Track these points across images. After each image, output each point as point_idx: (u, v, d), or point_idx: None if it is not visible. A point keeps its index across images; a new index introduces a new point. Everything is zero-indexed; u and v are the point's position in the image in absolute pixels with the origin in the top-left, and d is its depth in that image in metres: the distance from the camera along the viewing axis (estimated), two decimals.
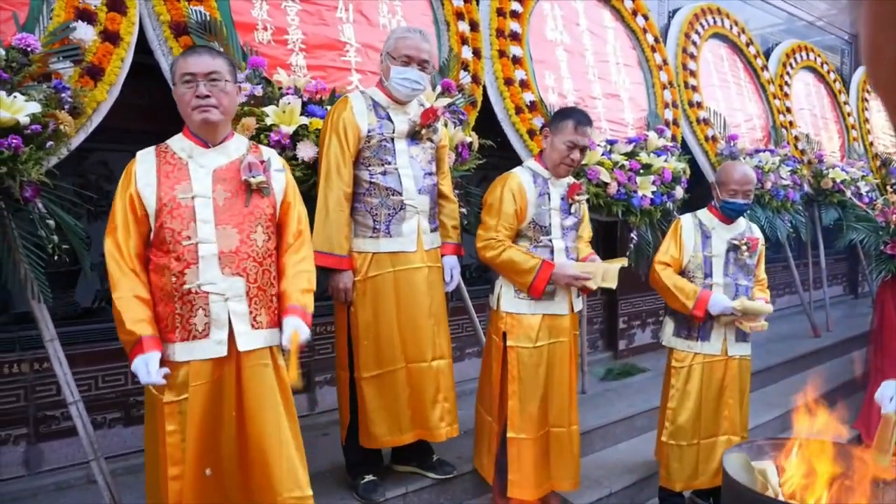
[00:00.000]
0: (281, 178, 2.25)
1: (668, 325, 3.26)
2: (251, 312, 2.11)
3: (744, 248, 3.13)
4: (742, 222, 3.24)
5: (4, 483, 2.85)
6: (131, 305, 2.01)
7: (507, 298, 2.96)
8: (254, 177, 2.13)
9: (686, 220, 3.22)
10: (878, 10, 0.42)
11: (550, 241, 2.94)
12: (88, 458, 2.53)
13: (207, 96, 2.06)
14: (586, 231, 3.18)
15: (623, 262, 2.93)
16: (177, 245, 2.04)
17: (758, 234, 3.26)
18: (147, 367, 1.97)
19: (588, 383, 4.50)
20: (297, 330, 2.09)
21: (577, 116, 2.93)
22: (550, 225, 2.95)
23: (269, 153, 2.27)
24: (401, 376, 2.81)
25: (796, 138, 6.42)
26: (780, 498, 2.01)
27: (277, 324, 2.20)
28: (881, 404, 2.20)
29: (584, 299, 4.38)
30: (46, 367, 2.84)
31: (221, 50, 2.65)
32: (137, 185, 2.06)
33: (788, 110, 6.57)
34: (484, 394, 3.10)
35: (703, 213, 3.24)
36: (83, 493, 2.88)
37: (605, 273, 2.86)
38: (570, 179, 3.06)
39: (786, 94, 6.63)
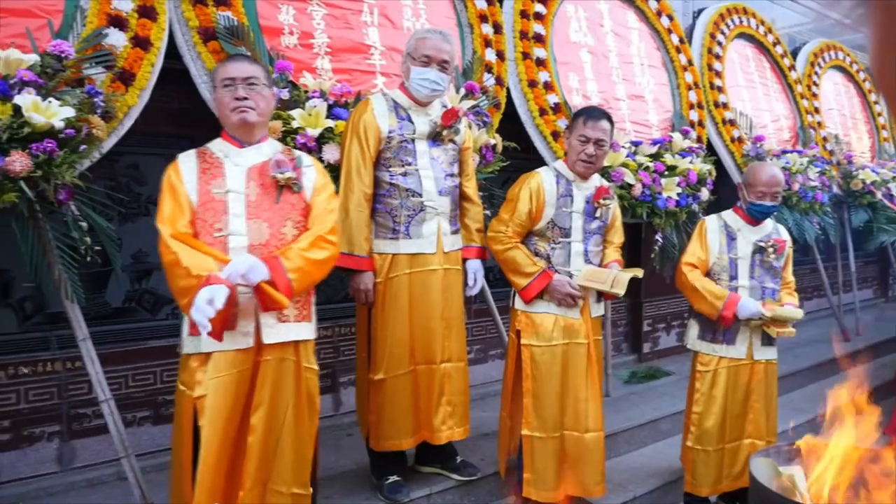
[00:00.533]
0: (311, 173, 2.31)
1: (693, 328, 3.22)
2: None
3: (770, 249, 3.09)
4: (769, 223, 3.19)
5: (39, 479, 2.91)
6: (197, 255, 2.01)
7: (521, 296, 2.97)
8: (282, 173, 2.20)
9: (711, 222, 3.18)
10: (883, 31, 0.43)
11: (569, 243, 2.93)
12: (119, 455, 2.58)
13: (245, 98, 2.16)
14: (616, 236, 3.13)
15: (638, 272, 2.89)
16: (207, 236, 2.10)
17: (785, 235, 3.21)
18: (209, 299, 1.89)
19: (612, 386, 4.48)
20: (246, 264, 2.01)
21: (587, 111, 2.95)
22: (571, 227, 2.93)
23: (298, 153, 2.35)
24: (408, 379, 2.81)
25: (825, 139, 6.32)
26: (809, 503, 1.98)
27: (307, 318, 2.24)
28: None
29: (609, 304, 4.37)
30: (79, 366, 2.90)
31: (258, 60, 2.70)
32: (184, 179, 2.14)
33: (817, 110, 6.47)
34: (504, 391, 3.12)
35: (729, 215, 3.20)
36: (114, 490, 2.93)
37: (616, 280, 2.82)
38: (598, 182, 3.04)
39: (814, 94, 6.53)
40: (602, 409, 3.02)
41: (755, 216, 3.12)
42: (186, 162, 2.18)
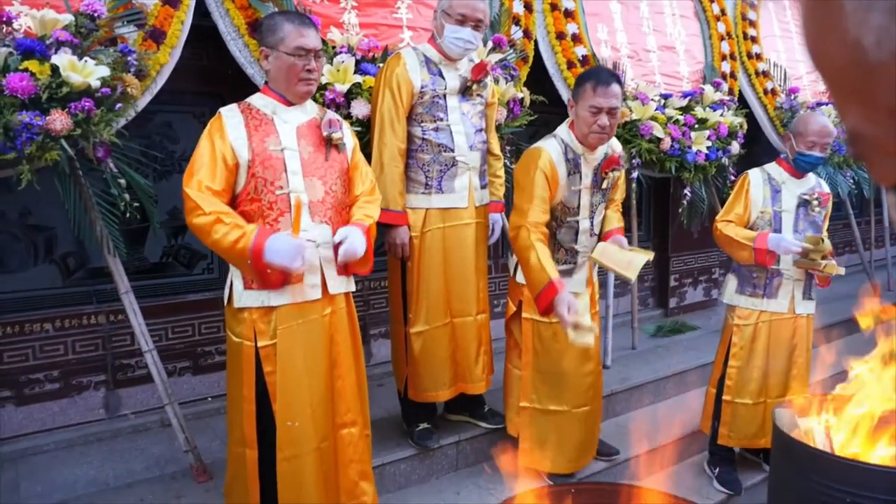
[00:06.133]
0: (348, 135, 2.39)
1: (731, 282, 3.18)
2: (335, 259, 2.24)
3: (815, 202, 3.03)
4: (812, 177, 3.12)
5: (89, 424, 3.08)
6: (232, 213, 2.09)
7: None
8: (334, 133, 2.27)
9: (754, 175, 3.11)
10: (815, 12, 0.41)
11: (577, 221, 2.84)
12: (163, 402, 2.70)
13: (315, 71, 2.23)
14: (619, 193, 3.02)
15: (649, 256, 2.75)
16: (269, 194, 2.15)
17: (827, 189, 3.15)
18: (296, 250, 2.04)
19: (638, 339, 4.52)
20: (348, 235, 2.18)
21: (594, 76, 2.67)
22: (579, 206, 2.82)
23: (336, 115, 2.40)
24: (445, 332, 2.88)
25: None
26: (829, 450, 2.02)
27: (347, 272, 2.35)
28: None
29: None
30: (121, 319, 3.02)
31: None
32: (229, 137, 2.14)
33: None
34: (513, 352, 3.09)
35: (773, 167, 3.12)
36: (159, 436, 3.08)
37: (630, 263, 2.69)
38: (607, 150, 2.87)
39: None
40: (602, 383, 3.03)
41: (802, 167, 3.03)
42: (231, 117, 2.18)
